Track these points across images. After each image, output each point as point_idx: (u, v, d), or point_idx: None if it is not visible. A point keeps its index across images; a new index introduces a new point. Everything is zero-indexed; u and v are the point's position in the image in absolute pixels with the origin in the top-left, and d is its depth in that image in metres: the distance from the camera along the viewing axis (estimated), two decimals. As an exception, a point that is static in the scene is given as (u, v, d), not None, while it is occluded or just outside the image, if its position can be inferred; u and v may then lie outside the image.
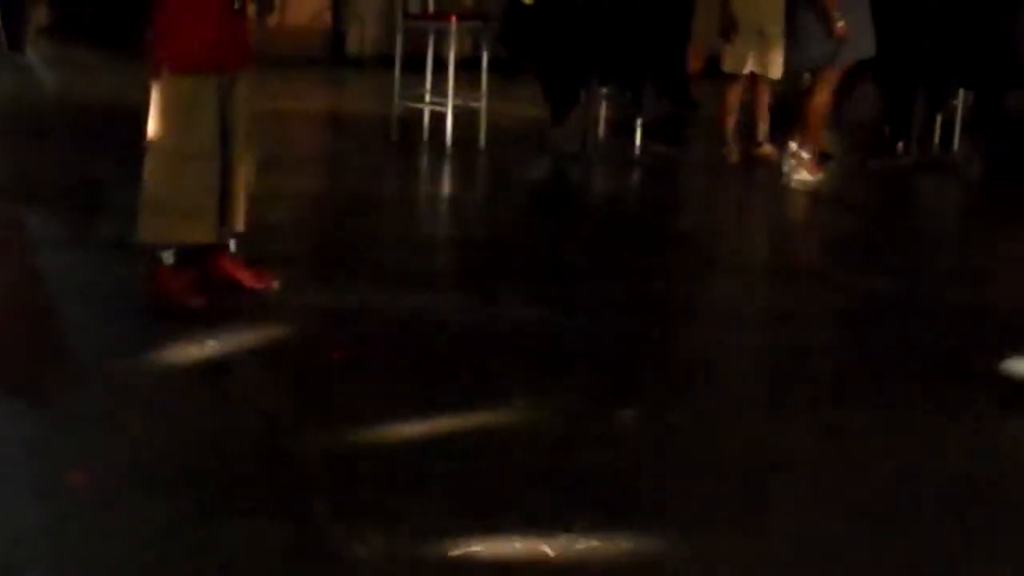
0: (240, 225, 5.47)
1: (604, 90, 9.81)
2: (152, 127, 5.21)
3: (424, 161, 9.27)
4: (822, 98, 8.76)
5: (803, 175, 8.67)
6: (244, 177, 5.43)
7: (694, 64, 10.51)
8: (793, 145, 8.70)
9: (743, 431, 4.22)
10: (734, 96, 9.19)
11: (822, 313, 5.86)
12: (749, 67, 8.99)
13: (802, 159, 8.67)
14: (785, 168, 8.71)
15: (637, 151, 9.50)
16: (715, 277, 6.68)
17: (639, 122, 9.59)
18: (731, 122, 9.24)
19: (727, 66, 9.16)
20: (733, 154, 9.19)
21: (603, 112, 9.87)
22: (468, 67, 9.42)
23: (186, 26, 5.17)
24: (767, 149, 9.17)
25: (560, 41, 9.42)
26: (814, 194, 8.57)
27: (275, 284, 5.54)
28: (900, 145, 9.63)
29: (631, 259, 6.63)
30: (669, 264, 6.63)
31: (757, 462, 3.99)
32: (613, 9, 9.38)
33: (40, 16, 13.52)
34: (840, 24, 8.23)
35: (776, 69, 8.98)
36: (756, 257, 7.29)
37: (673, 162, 9.74)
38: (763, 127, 9.31)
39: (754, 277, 6.67)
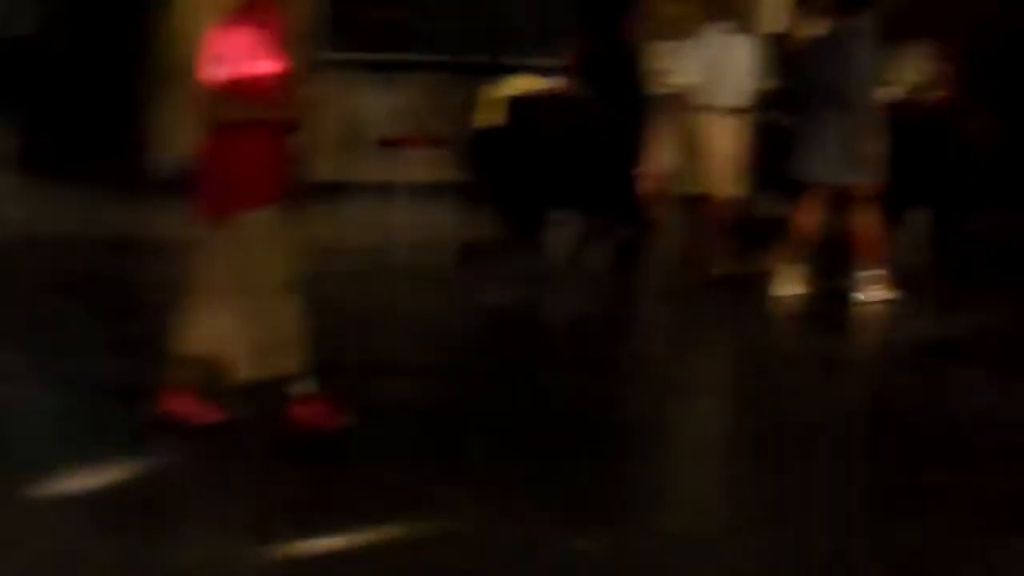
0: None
1: (567, 214, 9.98)
2: (227, 269, 5.27)
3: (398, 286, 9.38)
4: (871, 218, 8.87)
5: (878, 293, 8.88)
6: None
7: (653, 185, 10.73)
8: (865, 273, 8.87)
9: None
10: (694, 218, 9.43)
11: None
12: (707, 189, 9.24)
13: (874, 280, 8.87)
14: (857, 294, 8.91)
15: (602, 272, 9.69)
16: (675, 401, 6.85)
17: (602, 244, 9.80)
18: (691, 244, 9.45)
19: (687, 189, 9.48)
20: (692, 276, 9.39)
21: (567, 235, 10.03)
22: (434, 191, 9.65)
23: (249, 164, 5.24)
24: (725, 268, 9.32)
25: (524, 167, 9.65)
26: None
27: None
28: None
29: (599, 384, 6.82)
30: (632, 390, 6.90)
31: None
32: (577, 137, 9.62)
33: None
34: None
35: (735, 189, 9.23)
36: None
37: (635, 283, 9.92)
38: (720, 247, 9.47)
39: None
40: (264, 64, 5.17)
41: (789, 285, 8.93)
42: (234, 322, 5.22)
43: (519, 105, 9.91)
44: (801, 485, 5.45)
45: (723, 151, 9.22)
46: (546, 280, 9.57)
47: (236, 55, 5.14)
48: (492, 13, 12.96)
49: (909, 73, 10.97)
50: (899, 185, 9.34)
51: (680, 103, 9.27)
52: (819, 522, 4.91)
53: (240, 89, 5.12)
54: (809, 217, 8.89)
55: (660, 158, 10.22)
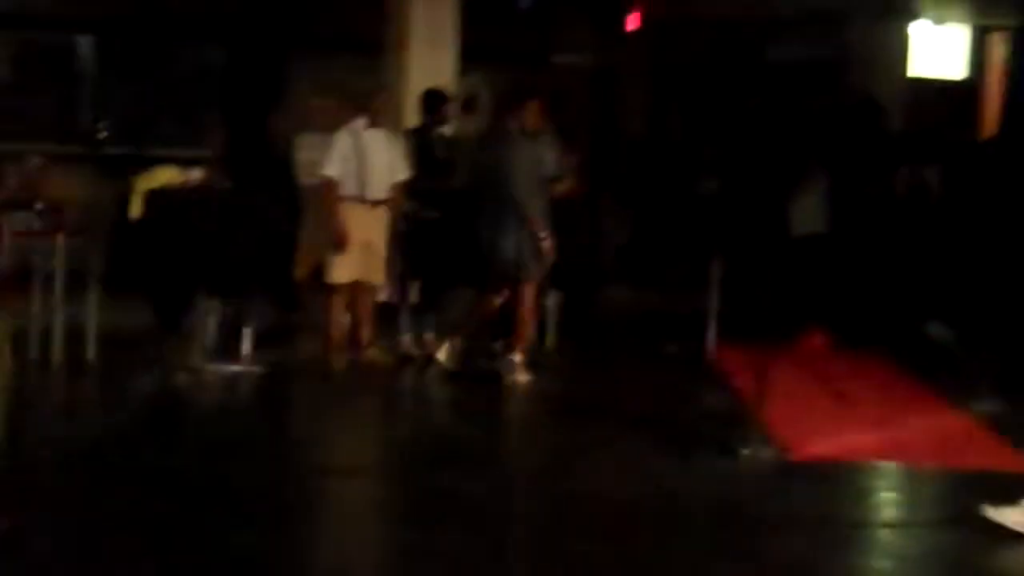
0: None
1: (213, 301, 9.96)
2: None
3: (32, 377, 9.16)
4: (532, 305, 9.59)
5: (520, 376, 9.42)
6: None
7: (300, 272, 10.90)
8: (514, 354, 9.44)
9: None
10: (339, 304, 9.64)
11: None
12: (354, 276, 9.48)
13: (517, 363, 9.43)
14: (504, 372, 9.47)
15: (247, 358, 9.69)
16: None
17: (247, 331, 9.81)
18: (338, 329, 9.67)
19: (334, 276, 9.61)
20: (340, 361, 9.58)
21: (213, 321, 10.00)
22: (74, 281, 9.52)
23: None
24: (373, 353, 9.63)
25: (167, 255, 9.68)
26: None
27: None
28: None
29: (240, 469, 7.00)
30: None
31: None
32: (221, 224, 9.72)
33: None
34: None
35: (380, 276, 9.53)
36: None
37: (282, 368, 9.96)
38: (367, 332, 9.76)
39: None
40: None
41: (452, 360, 9.56)
42: None
43: (160, 196, 9.95)
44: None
45: (367, 240, 9.49)
46: (194, 366, 9.54)
47: None
48: (138, 106, 13.07)
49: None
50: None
51: (328, 194, 9.45)
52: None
53: None
54: (493, 302, 9.55)
55: (309, 246, 10.50)
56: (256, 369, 9.46)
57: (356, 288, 9.65)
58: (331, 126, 10.96)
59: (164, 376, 9.34)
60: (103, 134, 13.39)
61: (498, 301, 9.51)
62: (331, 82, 12.56)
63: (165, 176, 10.19)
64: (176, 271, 9.77)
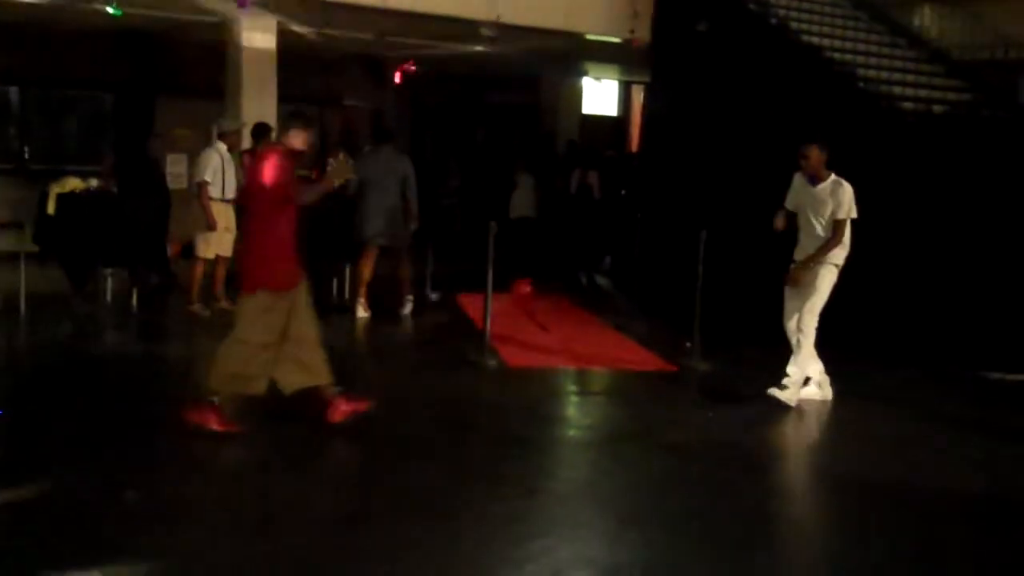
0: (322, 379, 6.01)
1: (108, 270, 9.92)
2: (241, 326, 5.79)
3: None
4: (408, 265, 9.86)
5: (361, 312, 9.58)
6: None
7: (173, 249, 10.81)
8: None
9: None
10: (199, 271, 9.46)
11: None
12: (216, 252, 9.48)
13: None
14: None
15: (135, 310, 9.68)
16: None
17: (135, 291, 9.82)
18: (197, 288, 9.55)
19: (201, 252, 9.44)
20: (204, 310, 9.52)
21: (109, 284, 9.98)
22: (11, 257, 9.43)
23: (274, 260, 5.75)
24: (197, 308, 9.43)
25: (74, 238, 9.57)
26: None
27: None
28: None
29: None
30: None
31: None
32: (112, 216, 9.67)
33: None
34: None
35: (231, 251, 9.52)
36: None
37: (165, 318, 9.87)
38: (220, 289, 9.57)
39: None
40: None
41: (361, 311, 9.62)
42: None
43: (69, 198, 9.79)
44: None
45: (225, 226, 9.40)
46: (101, 318, 9.52)
47: None
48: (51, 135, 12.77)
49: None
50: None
51: (202, 193, 9.22)
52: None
53: None
54: (368, 265, 9.57)
55: (179, 231, 10.42)
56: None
57: (216, 260, 9.56)
58: (189, 149, 11.00)
59: (76, 319, 9.34)
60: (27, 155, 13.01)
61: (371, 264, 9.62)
62: (189, 117, 12.47)
63: (72, 184, 10.01)
64: (81, 249, 9.65)
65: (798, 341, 7.13)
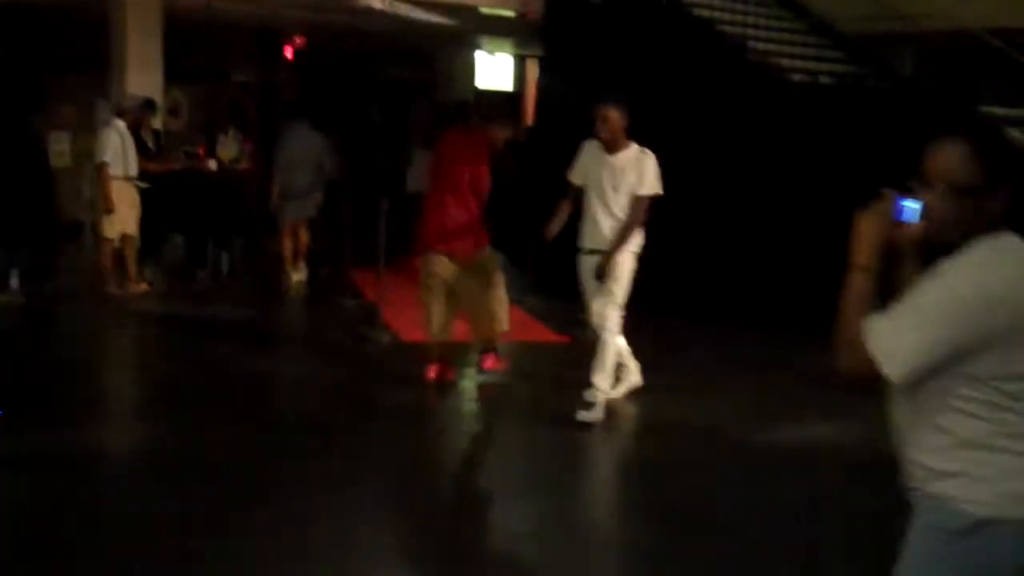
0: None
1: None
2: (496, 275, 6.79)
3: None
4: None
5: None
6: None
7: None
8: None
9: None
10: (108, 251, 9.49)
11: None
12: (121, 231, 9.35)
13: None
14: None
15: (15, 291, 9.28)
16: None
17: (13, 268, 9.42)
18: (112, 268, 9.47)
19: (106, 232, 9.41)
20: (117, 288, 9.47)
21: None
22: None
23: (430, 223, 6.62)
24: (117, 288, 9.51)
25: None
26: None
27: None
28: (199, 273, 10.31)
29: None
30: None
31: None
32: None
33: None
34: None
35: (136, 229, 9.40)
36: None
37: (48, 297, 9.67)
38: (132, 269, 9.63)
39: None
40: None
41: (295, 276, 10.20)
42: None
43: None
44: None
45: (127, 204, 9.35)
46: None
47: None
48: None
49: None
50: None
51: (101, 174, 9.23)
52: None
53: None
54: (288, 240, 10.12)
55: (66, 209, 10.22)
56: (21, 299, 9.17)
57: (124, 239, 9.48)
58: (73, 126, 10.71)
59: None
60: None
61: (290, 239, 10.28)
62: (72, 93, 12.16)
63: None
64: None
65: (603, 339, 6.27)
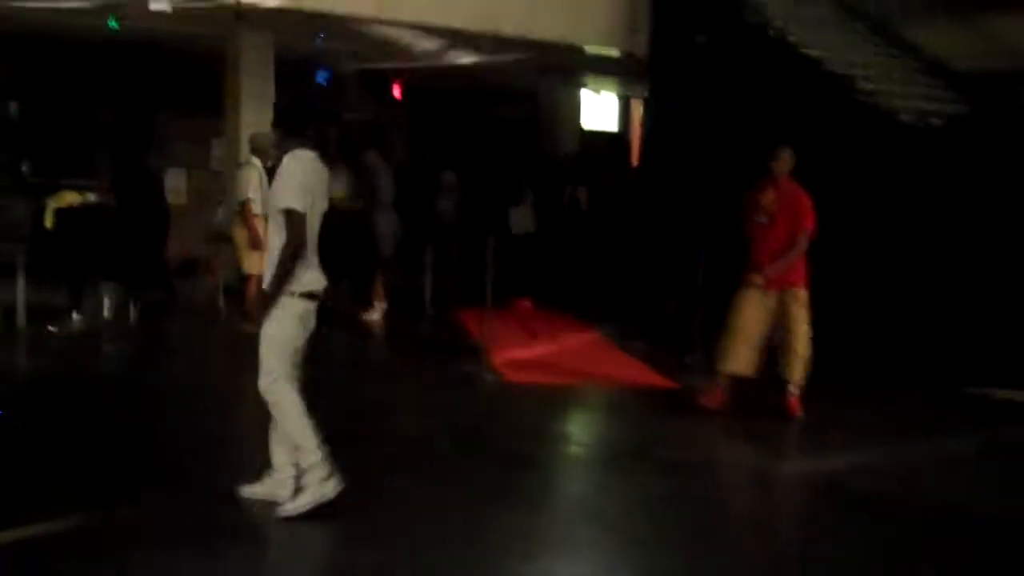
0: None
1: (108, 284, 9.92)
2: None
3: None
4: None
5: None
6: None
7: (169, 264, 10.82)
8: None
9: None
10: (253, 288, 9.17)
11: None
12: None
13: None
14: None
15: (132, 323, 9.67)
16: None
17: (133, 304, 9.81)
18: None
19: (250, 268, 9.21)
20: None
21: (107, 299, 9.96)
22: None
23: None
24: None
25: (73, 253, 9.56)
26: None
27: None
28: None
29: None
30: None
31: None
32: (110, 231, 9.66)
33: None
34: None
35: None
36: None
37: (165, 332, 9.97)
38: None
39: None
40: None
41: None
42: None
43: (66, 212, 9.80)
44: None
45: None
46: (97, 331, 9.48)
47: None
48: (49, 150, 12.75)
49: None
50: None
51: (244, 212, 9.23)
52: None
53: None
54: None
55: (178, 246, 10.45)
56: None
57: (249, 279, 9.36)
58: (189, 163, 10.99)
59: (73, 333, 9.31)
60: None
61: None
62: (188, 131, 12.47)
63: (69, 198, 10.01)
64: (79, 263, 9.64)
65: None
